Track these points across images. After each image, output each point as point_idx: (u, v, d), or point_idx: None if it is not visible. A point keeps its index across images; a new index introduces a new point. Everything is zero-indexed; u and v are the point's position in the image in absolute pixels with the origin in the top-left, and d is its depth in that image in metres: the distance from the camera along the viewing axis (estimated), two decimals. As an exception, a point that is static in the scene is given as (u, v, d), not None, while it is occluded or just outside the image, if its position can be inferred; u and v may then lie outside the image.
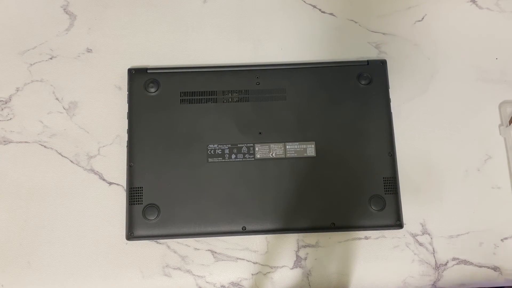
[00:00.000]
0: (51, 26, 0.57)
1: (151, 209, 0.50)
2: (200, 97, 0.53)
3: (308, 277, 0.51)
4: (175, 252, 0.51)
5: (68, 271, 0.50)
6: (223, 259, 0.51)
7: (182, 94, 0.53)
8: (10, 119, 0.54)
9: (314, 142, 0.52)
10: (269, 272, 0.51)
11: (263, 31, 0.57)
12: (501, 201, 0.53)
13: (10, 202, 0.52)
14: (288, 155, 0.52)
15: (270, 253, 0.51)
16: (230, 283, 0.51)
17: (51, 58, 0.56)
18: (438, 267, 0.51)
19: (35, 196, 0.52)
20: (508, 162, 0.54)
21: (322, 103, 0.53)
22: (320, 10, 0.58)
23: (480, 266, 0.51)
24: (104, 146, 0.54)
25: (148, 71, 0.54)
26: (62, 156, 0.53)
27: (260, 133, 0.53)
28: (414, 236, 0.52)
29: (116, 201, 0.52)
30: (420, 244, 0.52)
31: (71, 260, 0.50)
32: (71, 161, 0.53)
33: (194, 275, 0.51)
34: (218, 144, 0.52)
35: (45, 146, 0.53)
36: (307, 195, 0.51)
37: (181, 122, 0.52)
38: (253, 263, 0.51)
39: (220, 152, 0.52)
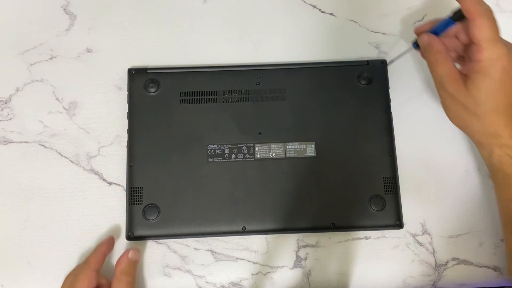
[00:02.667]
0: (51, 26, 0.57)
1: (151, 209, 0.50)
2: (200, 97, 0.53)
3: (308, 277, 0.51)
4: (175, 252, 0.51)
5: (68, 271, 0.50)
6: (223, 259, 0.51)
7: (182, 94, 0.53)
8: (10, 119, 0.54)
9: (314, 142, 0.52)
10: (269, 272, 0.51)
11: (263, 31, 0.57)
12: (501, 201, 0.53)
13: (10, 202, 0.52)
14: (288, 155, 0.52)
15: (270, 253, 0.51)
16: (230, 283, 0.51)
17: (51, 58, 0.56)
18: (438, 267, 0.51)
19: (35, 196, 0.52)
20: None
21: (322, 103, 0.53)
22: (320, 10, 0.58)
23: (480, 266, 0.51)
24: (104, 146, 0.54)
25: (148, 71, 0.54)
26: (62, 156, 0.53)
27: (260, 133, 0.53)
28: (414, 236, 0.52)
29: (116, 201, 0.52)
30: (420, 244, 0.52)
31: (71, 260, 0.50)
32: (71, 161, 0.53)
33: (194, 275, 0.51)
34: (218, 144, 0.52)
35: (45, 146, 0.53)
36: (307, 195, 0.51)
37: (181, 122, 0.52)
38: (253, 263, 0.51)
39: (220, 152, 0.52)
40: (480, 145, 0.47)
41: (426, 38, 0.48)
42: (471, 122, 0.46)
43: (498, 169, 0.46)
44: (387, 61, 0.55)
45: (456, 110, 0.46)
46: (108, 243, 0.49)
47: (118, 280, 0.47)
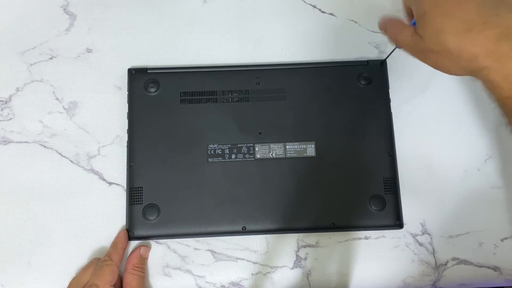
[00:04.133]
0: (51, 26, 0.57)
1: (151, 209, 0.50)
2: (200, 97, 0.53)
3: (308, 277, 0.51)
4: (175, 252, 0.51)
5: (68, 271, 0.50)
6: (223, 259, 0.51)
7: (182, 94, 0.53)
8: (10, 119, 0.54)
9: (314, 142, 0.52)
10: (269, 272, 0.51)
11: (263, 31, 0.57)
12: (501, 201, 0.53)
13: (10, 202, 0.52)
14: (288, 155, 0.52)
15: (270, 253, 0.51)
16: (230, 283, 0.51)
17: (51, 58, 0.56)
18: (438, 267, 0.51)
19: (35, 196, 0.52)
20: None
21: (322, 103, 0.53)
22: (320, 10, 0.58)
23: (480, 266, 0.51)
24: (104, 146, 0.54)
25: (148, 71, 0.54)
26: (62, 156, 0.53)
27: (260, 133, 0.53)
28: (414, 236, 0.52)
29: (116, 201, 0.52)
30: (420, 244, 0.52)
31: (71, 260, 0.50)
32: (71, 161, 0.53)
33: (194, 275, 0.51)
34: (218, 144, 0.52)
35: (45, 146, 0.53)
36: (307, 195, 0.51)
37: (181, 122, 0.52)
38: (253, 263, 0.51)
39: (220, 152, 0.52)
40: (479, 76, 0.39)
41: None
42: (454, 61, 0.40)
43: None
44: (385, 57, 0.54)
45: (434, 59, 0.42)
46: (125, 238, 0.50)
47: (130, 274, 0.48)
